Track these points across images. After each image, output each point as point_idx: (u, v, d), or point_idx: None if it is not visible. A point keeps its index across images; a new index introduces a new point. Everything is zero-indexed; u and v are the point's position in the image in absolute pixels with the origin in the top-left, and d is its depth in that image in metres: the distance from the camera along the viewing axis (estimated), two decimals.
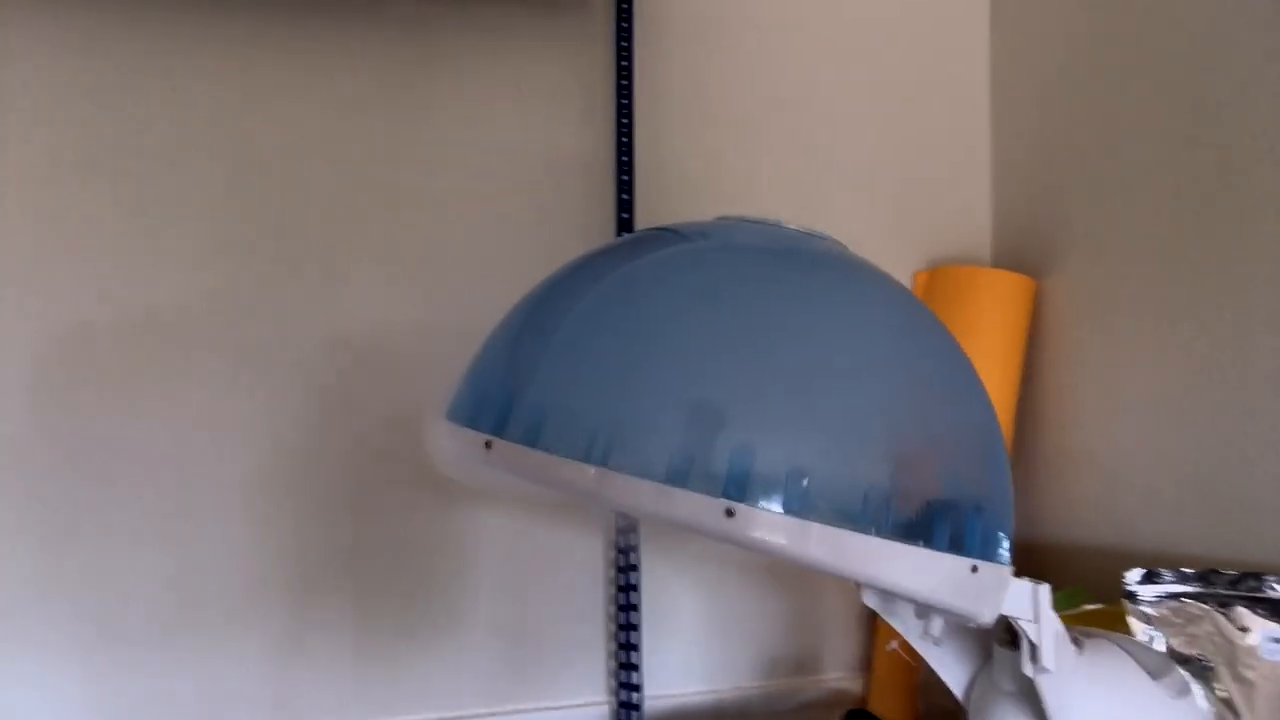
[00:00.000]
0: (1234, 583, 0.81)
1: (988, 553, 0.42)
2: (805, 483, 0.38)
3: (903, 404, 0.41)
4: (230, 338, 1.00)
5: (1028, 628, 0.48)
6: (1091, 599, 0.98)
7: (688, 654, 1.15)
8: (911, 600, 0.41)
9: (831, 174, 1.23)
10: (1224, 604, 0.81)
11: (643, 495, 0.38)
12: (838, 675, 1.20)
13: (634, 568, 1.08)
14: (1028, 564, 1.19)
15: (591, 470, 0.38)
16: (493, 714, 1.08)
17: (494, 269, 1.08)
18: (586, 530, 1.11)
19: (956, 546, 0.41)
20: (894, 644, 1.03)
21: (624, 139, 1.09)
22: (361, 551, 1.03)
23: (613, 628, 1.11)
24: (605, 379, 0.41)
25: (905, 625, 0.62)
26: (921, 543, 0.39)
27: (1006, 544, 0.45)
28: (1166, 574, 0.84)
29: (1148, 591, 0.84)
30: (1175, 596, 0.83)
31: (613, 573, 1.11)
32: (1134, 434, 1.04)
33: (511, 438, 0.41)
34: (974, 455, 0.43)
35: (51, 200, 0.96)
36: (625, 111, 1.09)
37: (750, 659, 1.18)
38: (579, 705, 1.10)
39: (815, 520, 0.37)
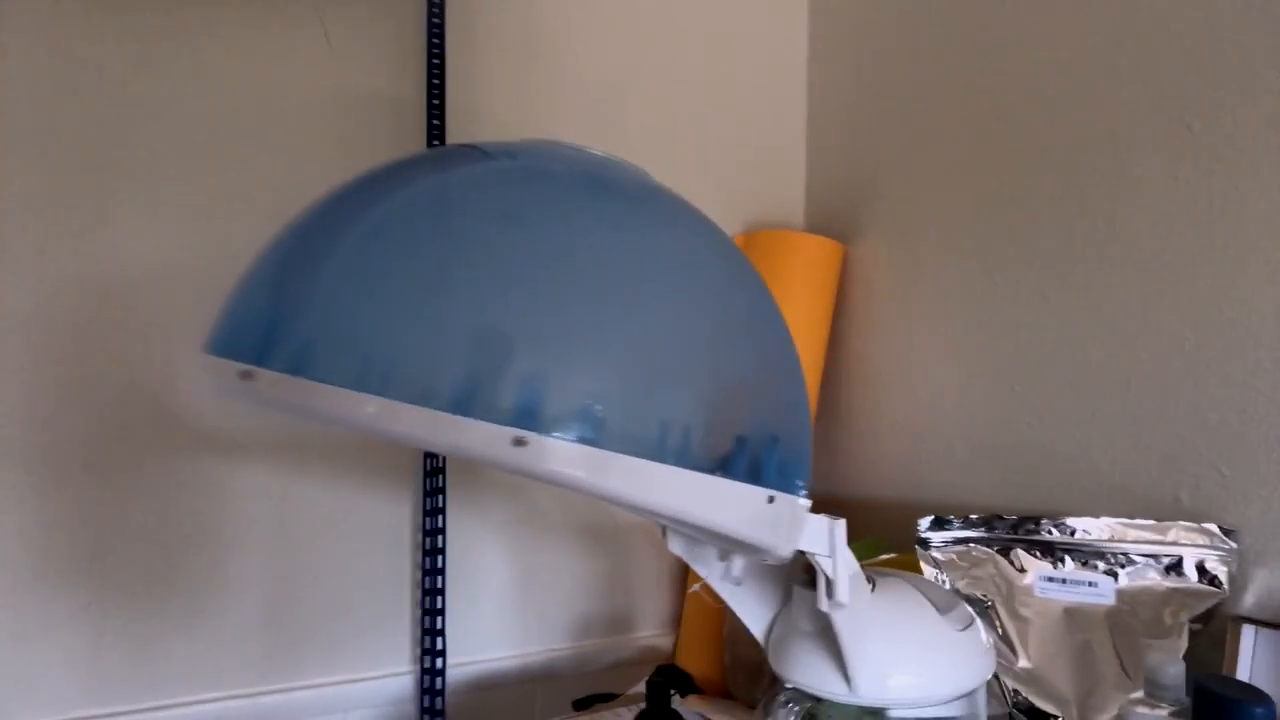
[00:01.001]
0: (1014, 527, 0.86)
1: (784, 485, 0.41)
2: (600, 412, 0.36)
3: (702, 337, 0.40)
4: None
5: (824, 563, 0.49)
6: (889, 548, 1.02)
7: (499, 618, 1.12)
8: (709, 531, 0.39)
9: (652, 131, 1.22)
10: (1005, 548, 0.86)
11: (423, 425, 0.35)
12: (649, 634, 1.21)
13: (440, 530, 1.04)
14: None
15: (366, 399, 0.35)
16: (288, 689, 1.01)
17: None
18: (394, 490, 1.06)
19: (754, 478, 0.39)
20: (697, 587, 1.04)
21: (435, 80, 1.03)
22: (118, 521, 0.94)
23: (418, 594, 1.07)
24: (386, 302, 0.37)
25: (708, 569, 0.62)
26: (719, 473, 0.38)
27: (804, 479, 0.44)
28: (954, 521, 0.88)
29: (937, 537, 0.88)
30: (962, 541, 0.88)
31: (419, 536, 1.06)
32: (930, 394, 1.09)
33: (275, 367, 0.37)
34: (772, 391, 0.43)
35: None
36: (437, 52, 1.03)
37: (562, 621, 1.16)
38: (381, 676, 1.05)
39: (611, 450, 0.35)
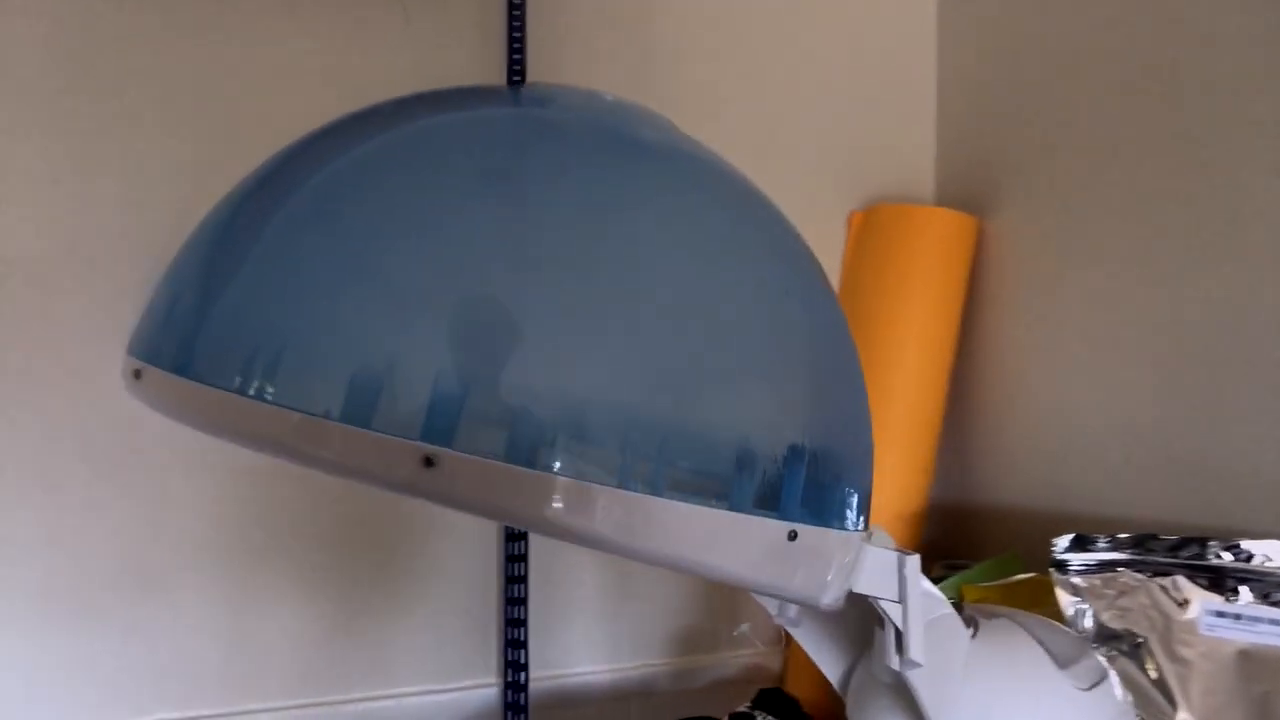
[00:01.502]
0: (1174, 549, 0.71)
1: (817, 514, 0.31)
2: (539, 420, 0.27)
3: (694, 322, 0.30)
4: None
5: (891, 610, 0.38)
6: (1024, 568, 0.89)
7: (589, 629, 1.05)
8: (706, 577, 0.30)
9: (757, 102, 1.11)
10: (1162, 573, 0.71)
11: (292, 433, 0.27)
12: (754, 651, 1.11)
13: (522, 535, 0.97)
14: (961, 531, 1.10)
15: (238, 401, 0.27)
16: (372, 697, 0.97)
17: None
18: None
19: (767, 506, 0.30)
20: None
21: (516, 56, 0.97)
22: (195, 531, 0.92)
23: (502, 602, 1.01)
24: (300, 287, 0.29)
25: (771, 604, 0.52)
26: (714, 501, 0.29)
27: (854, 505, 0.34)
28: (1100, 540, 0.74)
29: (1077, 560, 0.74)
30: (1109, 565, 0.74)
31: (504, 542, 1.00)
32: (1079, 390, 0.94)
33: (162, 364, 0.30)
34: (798, 390, 0.33)
35: None
36: (518, 26, 0.97)
37: (659, 634, 1.08)
38: (465, 688, 1.00)
39: (556, 473, 0.26)
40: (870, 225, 1.10)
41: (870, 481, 0.36)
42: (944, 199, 1.15)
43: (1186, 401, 0.82)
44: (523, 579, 0.97)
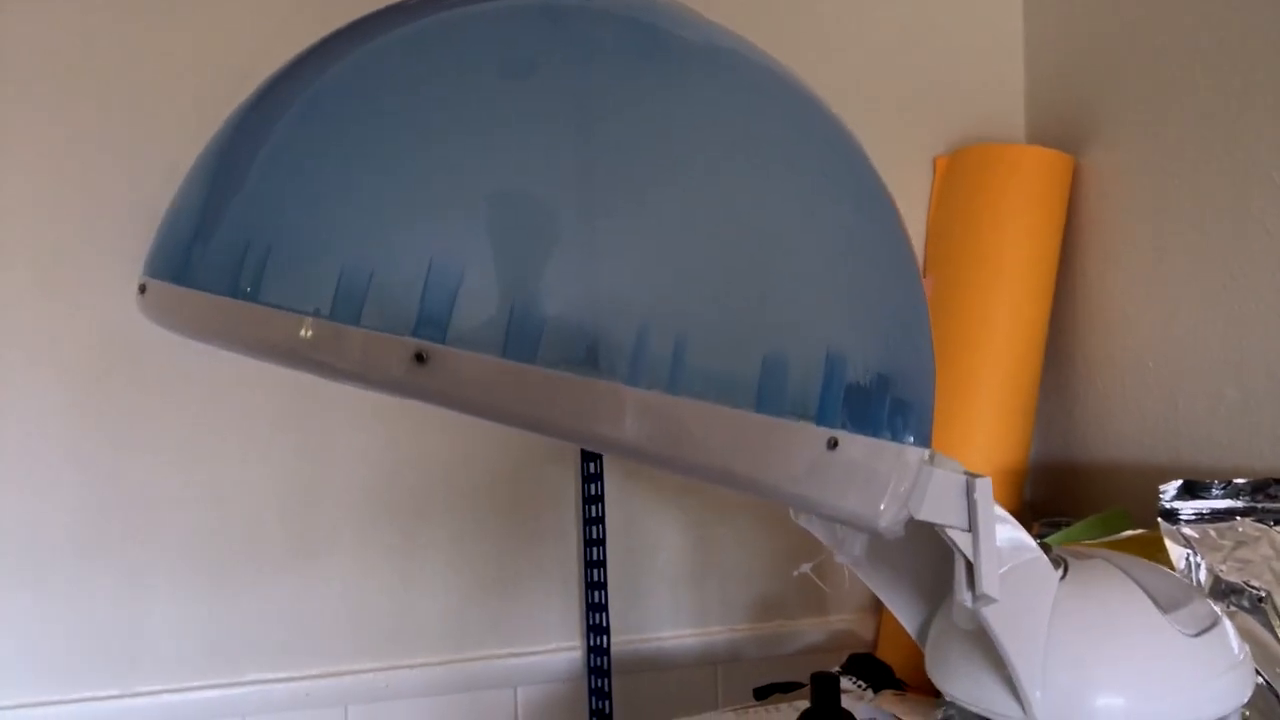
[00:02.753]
0: None
1: (859, 422, 0.28)
2: (538, 311, 0.25)
3: (715, 204, 0.27)
4: None
5: (960, 539, 0.34)
6: (1131, 525, 0.83)
7: (673, 594, 1.03)
8: (740, 489, 0.27)
9: (838, 40, 1.06)
10: (1278, 521, 0.65)
11: (282, 333, 0.25)
12: (844, 617, 1.07)
13: (599, 498, 0.96)
14: (1066, 489, 1.03)
15: (230, 304, 0.26)
16: (456, 660, 0.97)
17: None
18: (558, 458, 0.99)
19: (801, 411, 0.27)
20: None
21: None
22: (316, 493, 0.93)
23: (583, 565, 1.00)
24: (277, 183, 0.28)
25: (842, 549, 0.48)
26: (741, 404, 0.26)
27: (910, 419, 0.31)
28: (1214, 486, 0.68)
29: (1188, 508, 0.68)
30: (1224, 514, 0.67)
31: (581, 505, 0.99)
32: (1192, 333, 0.87)
33: (161, 275, 0.29)
34: (841, 295, 0.29)
35: None
36: None
37: (746, 599, 1.05)
38: (549, 650, 0.99)
39: (550, 369, 0.24)
40: (957, 168, 1.04)
41: (931, 399, 0.33)
42: (1035, 137, 1.08)
43: None
44: (601, 541, 0.96)
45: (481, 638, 0.98)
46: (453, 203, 0.25)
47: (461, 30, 0.32)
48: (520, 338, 0.24)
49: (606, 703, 0.95)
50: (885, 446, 0.30)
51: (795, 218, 0.28)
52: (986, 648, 0.42)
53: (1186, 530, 0.67)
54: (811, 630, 1.05)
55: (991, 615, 0.38)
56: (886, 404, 0.29)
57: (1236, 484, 0.67)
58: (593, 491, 0.95)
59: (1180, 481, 0.68)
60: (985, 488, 0.34)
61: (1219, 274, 0.83)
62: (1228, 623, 0.44)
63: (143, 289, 0.30)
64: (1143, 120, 0.92)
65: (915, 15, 1.09)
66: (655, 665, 1.01)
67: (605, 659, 0.95)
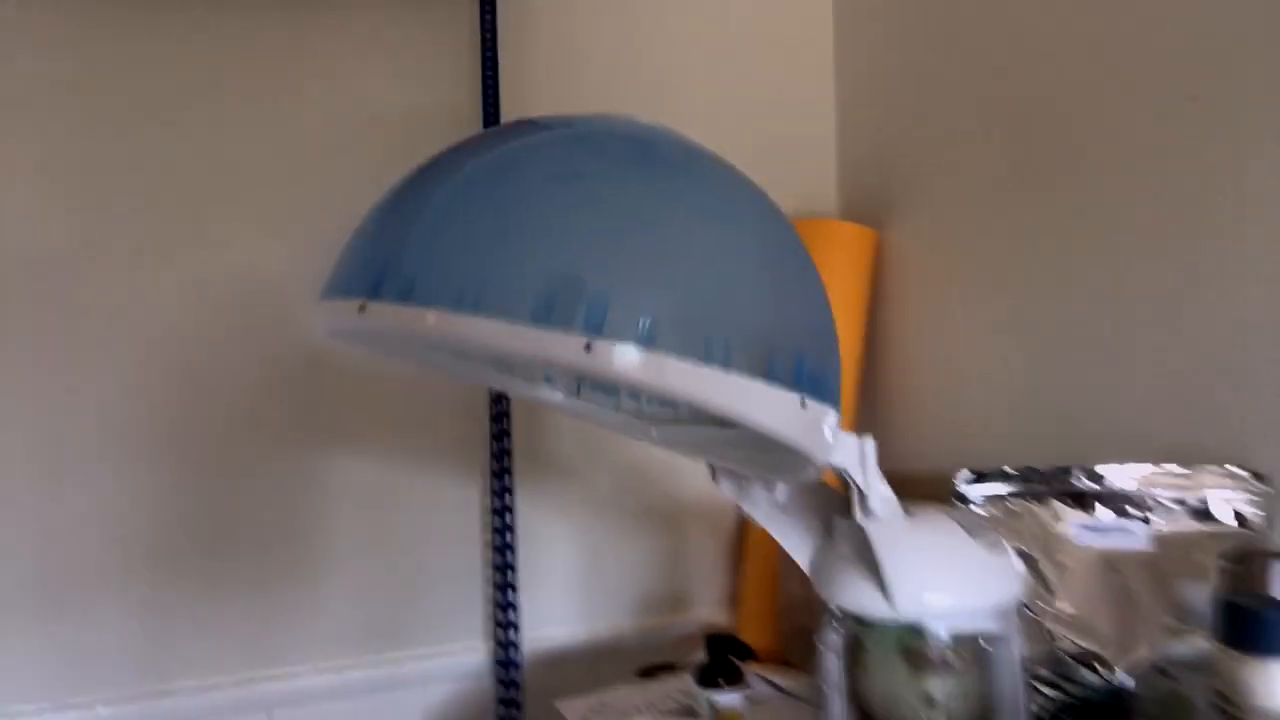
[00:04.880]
0: (1048, 479, 0.91)
1: (815, 394, 0.48)
2: (654, 327, 0.43)
3: (741, 272, 0.47)
4: (83, 293, 0.98)
5: (856, 476, 0.55)
6: None
7: (565, 597, 1.19)
8: (754, 428, 0.46)
9: (687, 128, 1.29)
10: (1041, 500, 0.90)
11: (509, 336, 0.42)
12: (707, 610, 1.26)
13: (509, 509, 1.11)
14: None
15: (462, 319, 0.42)
16: (367, 662, 1.09)
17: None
18: (461, 477, 1.13)
19: (787, 385, 0.46)
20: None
21: (490, 94, 1.12)
22: (225, 507, 1.03)
23: (489, 572, 1.14)
24: (472, 245, 0.44)
25: (755, 505, 0.68)
26: (760, 379, 0.45)
27: (832, 397, 0.51)
28: (992, 475, 0.93)
29: (975, 492, 0.93)
30: (999, 496, 0.92)
31: (488, 518, 1.14)
32: (967, 368, 1.14)
33: (385, 299, 0.44)
34: (800, 318, 0.49)
35: None
36: (491, 66, 1.12)
37: (624, 599, 1.23)
38: (457, 651, 1.12)
39: (663, 355, 0.42)
40: None
41: (840, 389, 0.53)
42: (847, 214, 1.35)
43: (1051, 368, 1.03)
44: (512, 548, 1.11)
45: (390, 640, 1.10)
46: (604, 261, 0.43)
47: (533, 152, 0.50)
48: (645, 338, 0.42)
49: (517, 691, 1.09)
50: (827, 411, 0.49)
51: (791, 270, 0.48)
52: (860, 567, 0.63)
53: (975, 509, 0.91)
54: (681, 623, 1.24)
55: (872, 532, 0.58)
56: (827, 383, 0.49)
57: (1007, 473, 0.92)
58: (502, 503, 1.11)
59: (969, 472, 0.92)
60: (871, 443, 0.55)
61: (986, 322, 1.11)
62: (1009, 548, 0.67)
63: (362, 308, 0.45)
64: (929, 201, 1.20)
65: (744, 107, 1.32)
66: (547, 659, 1.16)
67: (516, 650, 1.10)
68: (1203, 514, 0.85)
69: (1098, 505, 0.88)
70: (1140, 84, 0.93)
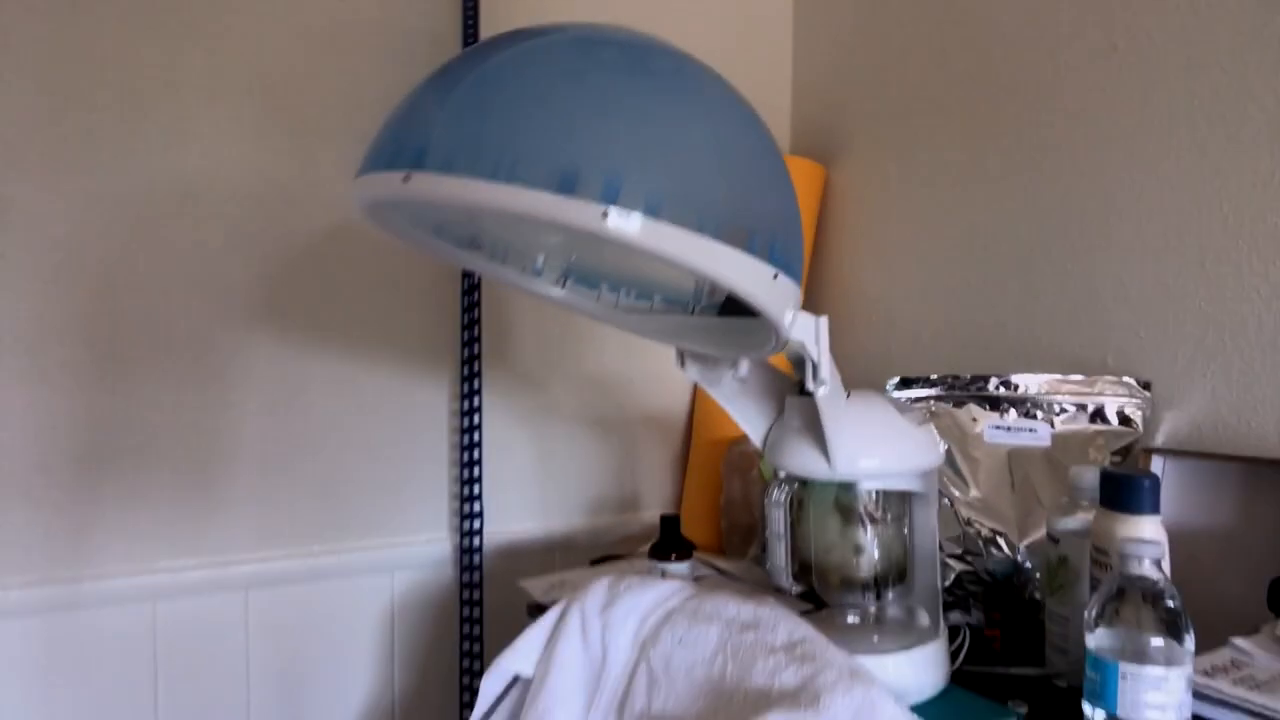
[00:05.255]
0: (967, 385, 1.03)
1: (786, 270, 0.57)
2: (658, 201, 0.51)
3: (729, 158, 0.56)
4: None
5: (811, 349, 0.65)
6: None
7: (524, 495, 1.28)
8: (734, 292, 0.55)
9: None
10: (960, 403, 1.02)
11: (540, 203, 0.50)
12: (654, 512, 1.37)
13: (478, 410, 1.19)
14: None
15: (499, 187, 0.50)
16: (339, 549, 1.16)
17: (341, 140, 1.14)
18: (430, 383, 1.21)
19: (763, 258, 0.55)
20: None
21: (470, 13, 1.18)
22: (202, 404, 1.09)
23: (455, 471, 1.22)
24: (503, 128, 0.52)
25: (718, 389, 0.78)
26: (742, 250, 0.54)
27: (797, 278, 0.60)
28: (918, 381, 1.04)
29: (902, 396, 1.04)
30: (924, 399, 1.04)
31: (455, 421, 1.22)
32: (900, 291, 1.25)
33: (428, 170, 0.52)
34: (773, 208, 0.59)
35: None
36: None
37: (579, 499, 1.32)
38: (424, 541, 1.21)
39: (665, 223, 0.51)
40: None
41: (802, 277, 0.63)
42: (798, 150, 1.45)
43: (974, 292, 1.14)
44: (478, 445, 1.19)
45: (361, 530, 1.18)
46: (619, 144, 0.52)
47: (546, 52, 0.58)
48: (650, 210, 0.51)
49: (479, 575, 1.19)
50: (793, 287, 0.59)
51: (767, 165, 0.57)
52: (807, 436, 0.73)
53: None
54: (630, 522, 1.34)
55: (820, 400, 0.68)
56: (794, 266, 0.58)
57: (930, 378, 1.04)
58: (472, 404, 1.19)
59: (898, 378, 1.04)
60: (824, 322, 0.65)
61: (918, 252, 1.22)
62: (933, 426, 0.78)
63: (406, 178, 0.52)
64: (873, 141, 1.30)
65: (704, 45, 1.41)
66: (506, 551, 1.25)
67: (479, 539, 1.19)
68: (1096, 416, 0.98)
69: (1010, 409, 1.01)
70: (1068, 35, 1.04)
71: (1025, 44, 1.08)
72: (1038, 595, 0.93)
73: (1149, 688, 0.56)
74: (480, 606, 1.19)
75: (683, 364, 0.79)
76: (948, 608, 0.92)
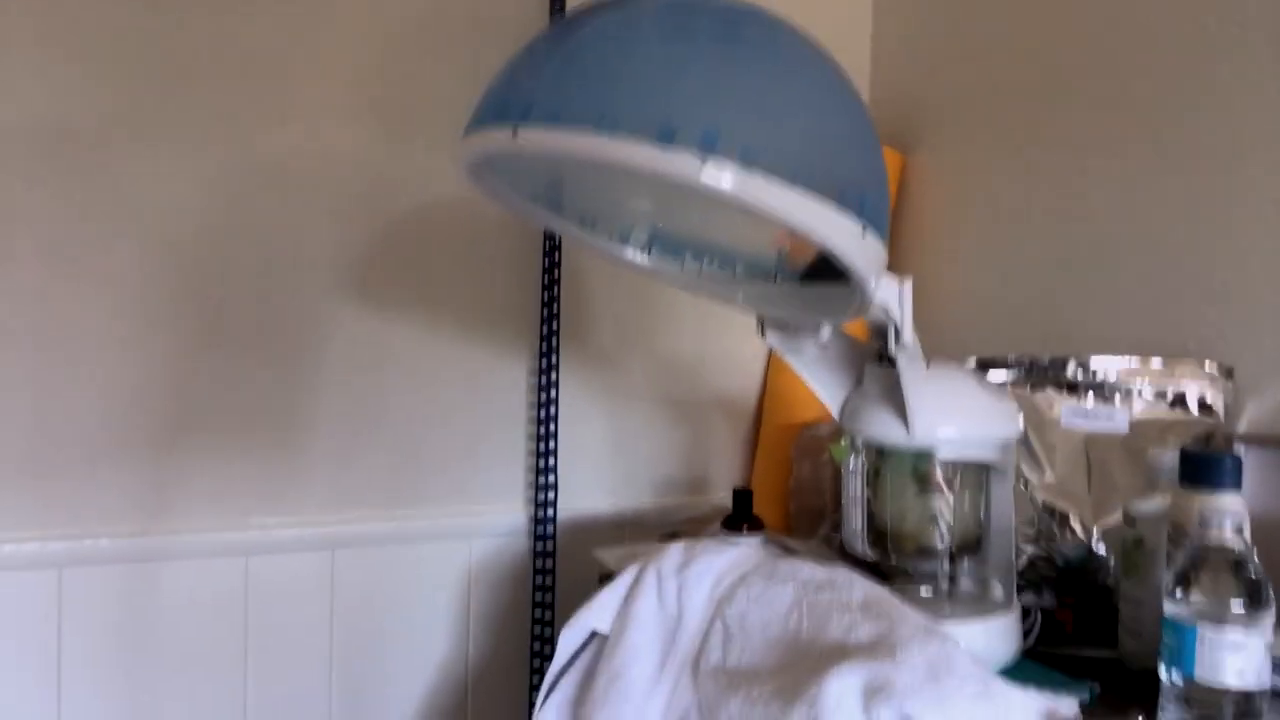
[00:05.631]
0: (1045, 369, 1.02)
1: (874, 228, 0.59)
2: (752, 154, 0.54)
3: (822, 115, 0.58)
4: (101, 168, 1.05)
5: (894, 311, 0.66)
6: None
7: (597, 473, 1.31)
8: (823, 245, 0.57)
9: None
10: (1037, 387, 1.02)
11: (640, 154, 0.53)
12: (723, 494, 1.38)
13: (555, 385, 1.23)
14: None
15: (601, 140, 0.53)
16: (420, 514, 1.20)
17: (431, 125, 1.18)
18: (509, 359, 1.25)
19: (853, 213, 0.57)
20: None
21: (558, 2, 1.21)
22: (295, 379, 1.14)
23: (531, 445, 1.26)
24: (605, 84, 0.55)
25: (798, 356, 0.80)
26: (832, 204, 0.56)
27: (884, 233, 0.62)
28: (995, 364, 1.04)
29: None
30: (1001, 384, 1.04)
31: (533, 396, 1.25)
32: (979, 277, 1.26)
33: (535, 124, 0.55)
34: (865, 168, 0.60)
35: None
36: None
37: (649, 479, 1.35)
38: (500, 511, 1.24)
39: (760, 176, 0.53)
40: None
41: (889, 236, 0.64)
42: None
43: (1054, 278, 1.14)
44: (554, 419, 1.23)
45: (441, 498, 1.22)
46: (714, 104, 0.54)
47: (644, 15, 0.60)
48: (745, 162, 0.53)
49: (552, 544, 1.22)
50: (879, 245, 0.60)
51: (860, 128, 0.59)
52: (885, 404, 0.75)
53: None
54: (699, 504, 1.36)
55: (901, 364, 0.69)
56: (882, 223, 0.60)
57: (1009, 361, 1.03)
58: (549, 380, 1.22)
59: (974, 360, 1.04)
60: (909, 285, 0.66)
61: (998, 239, 1.22)
62: (1011, 393, 0.79)
63: (514, 132, 0.55)
64: (952, 131, 1.30)
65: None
66: (577, 525, 1.28)
67: (552, 510, 1.22)
68: (1176, 403, 0.97)
69: (1088, 392, 1.00)
70: (1159, 17, 1.03)
71: (1116, 36, 1.08)
72: (1110, 582, 0.92)
73: (1228, 651, 0.56)
74: (553, 574, 1.22)
75: (763, 332, 0.81)
76: (1019, 590, 0.93)
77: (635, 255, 0.80)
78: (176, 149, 1.07)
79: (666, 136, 0.53)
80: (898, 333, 0.67)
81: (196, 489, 1.09)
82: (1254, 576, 0.58)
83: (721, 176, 0.53)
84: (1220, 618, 0.57)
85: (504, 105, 0.58)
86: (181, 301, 1.08)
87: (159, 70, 1.06)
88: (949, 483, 0.76)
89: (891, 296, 0.66)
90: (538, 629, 1.23)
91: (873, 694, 0.56)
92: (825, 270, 0.74)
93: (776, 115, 0.56)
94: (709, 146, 0.53)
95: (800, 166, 0.55)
